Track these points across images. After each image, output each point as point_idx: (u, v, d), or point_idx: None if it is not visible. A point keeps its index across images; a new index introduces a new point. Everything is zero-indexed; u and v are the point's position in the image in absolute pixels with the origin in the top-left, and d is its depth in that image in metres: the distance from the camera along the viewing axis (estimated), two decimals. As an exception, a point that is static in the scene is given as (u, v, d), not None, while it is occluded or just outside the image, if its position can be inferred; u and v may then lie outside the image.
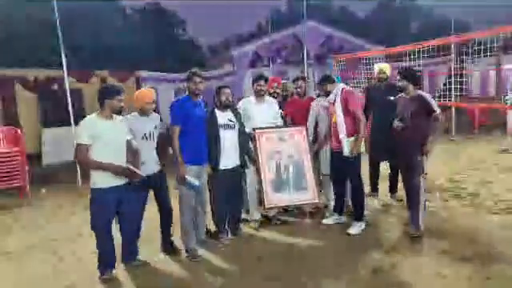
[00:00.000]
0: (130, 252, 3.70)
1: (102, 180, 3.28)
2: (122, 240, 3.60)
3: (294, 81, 5.10)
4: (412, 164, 4.00)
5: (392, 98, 4.57)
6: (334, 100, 4.26)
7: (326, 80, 4.35)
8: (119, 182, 3.34)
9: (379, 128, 4.80)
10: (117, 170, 3.28)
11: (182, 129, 3.78)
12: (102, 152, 3.24)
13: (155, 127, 3.83)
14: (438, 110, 3.92)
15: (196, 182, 3.79)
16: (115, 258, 3.53)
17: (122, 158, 3.37)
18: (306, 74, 9.86)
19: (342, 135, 4.17)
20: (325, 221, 4.55)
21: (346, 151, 4.16)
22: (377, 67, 5.24)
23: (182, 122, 3.76)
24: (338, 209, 4.54)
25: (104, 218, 3.36)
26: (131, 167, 3.34)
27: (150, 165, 3.74)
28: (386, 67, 5.17)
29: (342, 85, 4.37)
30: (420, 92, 4.09)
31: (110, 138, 3.29)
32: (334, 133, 4.31)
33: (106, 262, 3.45)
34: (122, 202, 3.39)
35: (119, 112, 3.45)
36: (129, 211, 3.49)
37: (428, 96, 4.03)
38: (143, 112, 3.76)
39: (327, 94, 4.33)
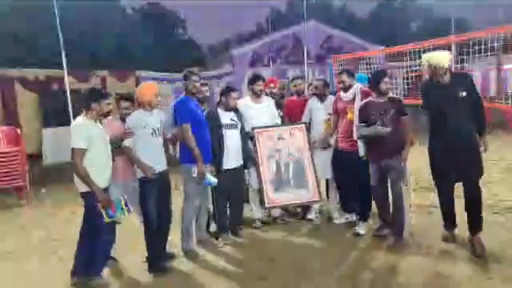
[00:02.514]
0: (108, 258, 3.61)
1: (101, 181, 3.22)
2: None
3: (292, 80, 5.10)
4: (397, 170, 3.80)
5: (464, 93, 3.47)
6: (353, 99, 4.20)
7: (346, 72, 4.30)
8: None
9: (444, 140, 3.57)
10: (98, 195, 3.17)
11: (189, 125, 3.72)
12: (95, 155, 3.20)
13: (161, 122, 3.70)
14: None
15: (215, 180, 3.76)
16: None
17: (106, 160, 3.32)
18: (305, 74, 9.87)
19: (355, 136, 4.09)
20: (337, 221, 4.52)
21: (362, 152, 4.06)
22: (424, 60, 3.66)
23: (189, 120, 3.70)
24: (350, 208, 4.48)
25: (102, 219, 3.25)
26: (109, 198, 3.26)
27: (160, 162, 3.64)
28: (430, 57, 3.59)
29: (359, 84, 4.31)
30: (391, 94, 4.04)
31: (101, 140, 3.27)
32: (347, 132, 4.21)
33: (100, 265, 3.36)
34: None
35: (106, 115, 3.41)
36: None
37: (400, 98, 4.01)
38: (148, 107, 3.59)
39: (344, 87, 4.27)
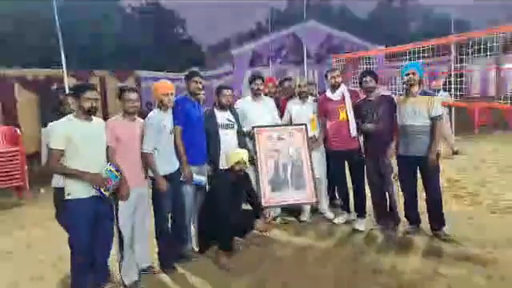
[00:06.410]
0: (102, 274, 3.30)
1: (80, 189, 2.92)
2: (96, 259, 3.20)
3: (280, 82, 5.09)
4: (384, 165, 4.07)
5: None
6: (343, 97, 4.30)
7: (338, 70, 4.42)
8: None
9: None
10: (86, 177, 2.91)
11: (182, 128, 3.73)
12: (73, 157, 2.91)
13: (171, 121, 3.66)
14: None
15: (202, 180, 3.79)
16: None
17: (96, 165, 2.99)
18: (305, 74, 9.87)
19: (355, 134, 4.24)
20: (336, 220, 4.54)
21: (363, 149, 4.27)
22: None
23: (183, 122, 3.71)
24: (346, 207, 4.58)
25: (86, 234, 2.97)
26: (98, 174, 2.96)
27: (175, 161, 3.63)
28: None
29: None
30: (383, 92, 4.25)
31: (84, 141, 2.94)
32: (341, 131, 4.29)
33: (82, 286, 3.05)
34: (98, 216, 3.02)
35: (93, 112, 3.02)
36: (105, 226, 3.13)
37: (392, 96, 4.21)
38: (162, 105, 3.53)
39: (334, 85, 4.35)
